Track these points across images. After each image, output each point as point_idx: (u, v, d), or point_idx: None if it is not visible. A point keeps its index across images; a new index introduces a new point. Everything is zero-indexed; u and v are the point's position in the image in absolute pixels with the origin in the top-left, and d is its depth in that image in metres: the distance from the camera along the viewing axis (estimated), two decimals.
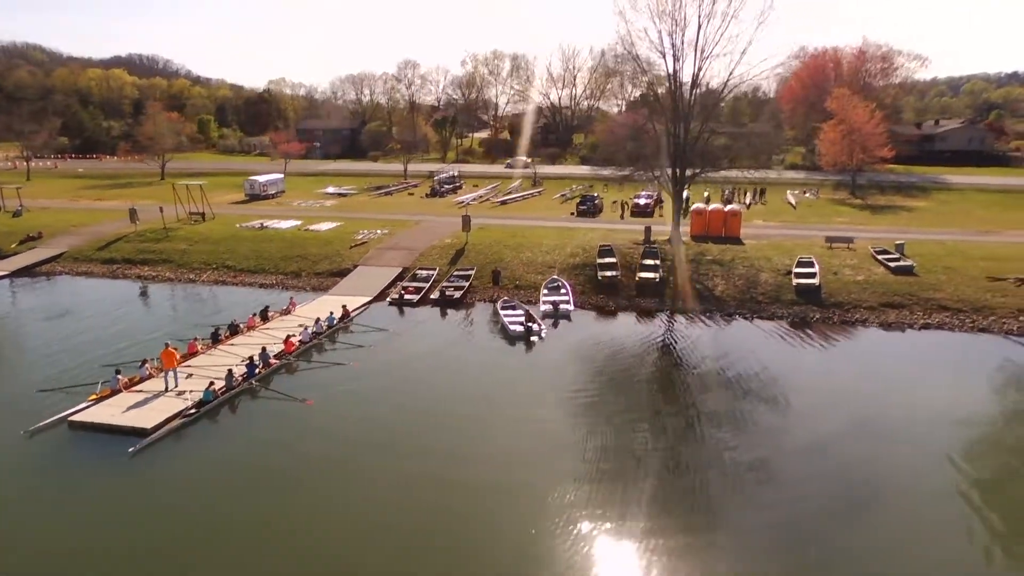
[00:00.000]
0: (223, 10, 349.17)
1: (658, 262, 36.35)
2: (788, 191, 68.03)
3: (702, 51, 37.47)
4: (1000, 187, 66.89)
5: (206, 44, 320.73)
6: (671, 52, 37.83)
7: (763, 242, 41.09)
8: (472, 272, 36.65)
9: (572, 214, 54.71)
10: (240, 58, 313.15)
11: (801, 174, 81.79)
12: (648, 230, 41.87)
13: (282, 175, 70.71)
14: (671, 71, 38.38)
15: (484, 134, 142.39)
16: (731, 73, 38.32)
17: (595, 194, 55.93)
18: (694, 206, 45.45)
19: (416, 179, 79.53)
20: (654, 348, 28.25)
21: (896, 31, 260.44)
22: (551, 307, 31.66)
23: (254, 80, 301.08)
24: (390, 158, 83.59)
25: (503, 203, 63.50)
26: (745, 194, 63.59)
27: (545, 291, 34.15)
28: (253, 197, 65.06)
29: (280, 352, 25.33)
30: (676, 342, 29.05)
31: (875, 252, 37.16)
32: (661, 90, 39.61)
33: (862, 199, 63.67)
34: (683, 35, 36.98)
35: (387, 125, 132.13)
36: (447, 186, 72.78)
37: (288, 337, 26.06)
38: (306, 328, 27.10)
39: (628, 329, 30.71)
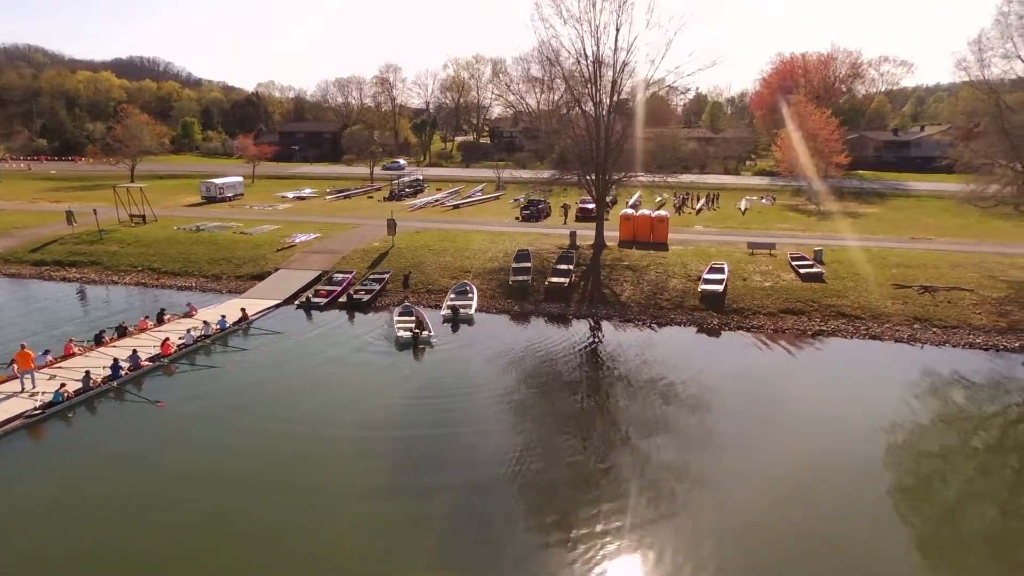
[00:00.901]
0: (224, 11, 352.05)
1: (571, 267, 36.47)
2: (744, 197, 68.07)
3: (620, 57, 37.74)
4: (954, 194, 66.53)
5: (208, 46, 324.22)
6: (590, 57, 38.05)
7: (688, 248, 41.12)
8: (387, 276, 36.81)
9: (517, 219, 54.87)
10: (241, 59, 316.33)
11: (766, 179, 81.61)
12: (573, 235, 41.97)
13: (240, 178, 71.04)
14: (590, 76, 38.54)
15: (470, 137, 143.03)
16: (649, 78, 38.63)
17: (541, 198, 56.00)
18: (622, 211, 45.53)
19: (383, 182, 79.82)
20: (544, 354, 27.99)
21: (899, 37, 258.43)
22: (450, 311, 31.75)
23: (254, 81, 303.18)
24: (368, 161, 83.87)
25: (456, 207, 63.73)
26: (698, 199, 63.62)
27: (452, 295, 34.26)
28: (210, 200, 65.45)
29: (156, 355, 25.50)
30: (568, 346, 28.87)
31: (792, 258, 37.14)
32: (582, 95, 39.66)
33: (816, 205, 63.57)
34: (598, 41, 37.20)
35: (368, 128, 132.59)
36: (408, 190, 73.09)
37: (166, 340, 26.22)
38: (189, 331, 27.26)
39: (525, 334, 30.70)
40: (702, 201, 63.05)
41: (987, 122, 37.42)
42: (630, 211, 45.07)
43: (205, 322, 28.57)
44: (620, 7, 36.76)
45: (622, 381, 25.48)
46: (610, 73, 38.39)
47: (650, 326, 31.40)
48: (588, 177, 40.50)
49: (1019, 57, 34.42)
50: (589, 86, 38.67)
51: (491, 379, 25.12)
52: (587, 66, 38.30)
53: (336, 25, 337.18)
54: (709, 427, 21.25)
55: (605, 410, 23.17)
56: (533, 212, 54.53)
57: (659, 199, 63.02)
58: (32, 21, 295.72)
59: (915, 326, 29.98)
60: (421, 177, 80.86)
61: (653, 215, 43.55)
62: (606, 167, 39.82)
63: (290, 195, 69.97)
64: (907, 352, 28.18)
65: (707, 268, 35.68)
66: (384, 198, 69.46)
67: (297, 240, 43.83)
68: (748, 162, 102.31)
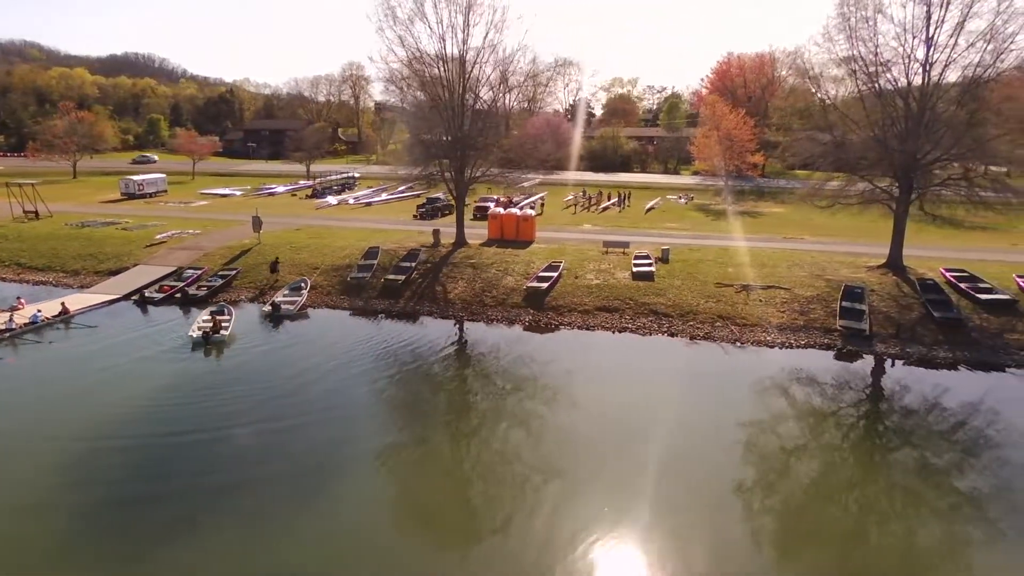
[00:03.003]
0: (224, 7, 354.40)
1: (412, 264, 37.04)
2: (664, 196, 68.50)
3: (470, 58, 38.34)
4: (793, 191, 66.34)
5: (207, 42, 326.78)
6: (441, 57, 38.61)
7: (551, 247, 41.53)
8: (234, 273, 37.42)
9: (415, 216, 55.39)
10: (241, 56, 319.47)
11: (697, 179, 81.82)
12: (436, 232, 42.49)
13: (163, 176, 71.76)
14: (443, 75, 39.08)
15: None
16: (502, 78, 39.27)
17: (440, 196, 56.39)
18: (491, 210, 46.09)
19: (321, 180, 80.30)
20: (348, 349, 28.06)
21: None
22: (271, 308, 32.32)
23: (251, 77, 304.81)
24: (304, 160, 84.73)
25: (369, 204, 64.36)
26: (608, 198, 63.93)
27: (286, 291, 34.81)
28: (129, 196, 66.15)
29: None
30: (377, 342, 29.22)
31: (635, 257, 37.54)
32: (434, 94, 40.10)
33: (726, 205, 63.82)
34: (444, 40, 37.84)
35: (333, 126, 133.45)
36: (335, 188, 73.72)
37: None
38: None
39: (344, 330, 31.16)
40: (612, 200, 63.38)
41: (804, 123, 38.08)
42: (499, 210, 45.57)
43: (11, 317, 29.26)
44: (467, 9, 37.37)
45: (410, 373, 25.96)
46: (463, 72, 38.93)
47: (463, 321, 32.01)
48: (447, 174, 41.02)
49: (846, 60, 34.80)
50: (440, 87, 39.19)
51: (272, 377, 25.26)
52: (439, 65, 38.85)
53: (330, 21, 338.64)
54: (473, 408, 21.86)
55: (386, 400, 23.82)
56: (429, 210, 55.02)
57: (569, 196, 63.53)
58: (33, 18, 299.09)
59: (716, 324, 30.39)
60: (356, 175, 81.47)
61: (519, 214, 44.04)
62: (463, 165, 40.35)
63: (213, 192, 70.66)
64: (698, 349, 28.64)
65: (545, 266, 36.19)
66: (306, 196, 70.13)
67: (169, 236, 44.46)
68: (696, 161, 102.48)
